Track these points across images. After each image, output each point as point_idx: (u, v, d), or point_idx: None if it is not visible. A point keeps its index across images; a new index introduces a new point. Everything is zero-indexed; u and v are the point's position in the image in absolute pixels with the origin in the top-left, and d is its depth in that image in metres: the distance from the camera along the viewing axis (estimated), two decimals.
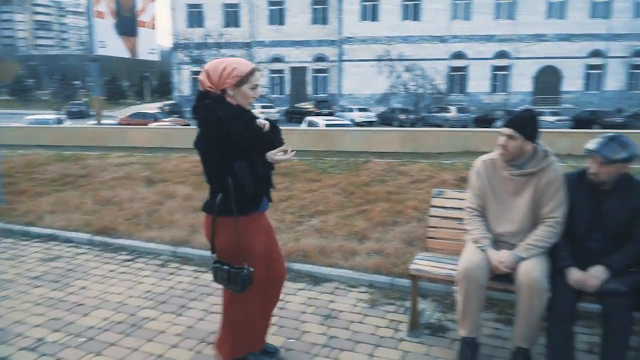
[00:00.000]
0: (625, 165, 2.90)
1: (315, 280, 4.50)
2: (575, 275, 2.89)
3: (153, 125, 26.49)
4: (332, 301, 4.10)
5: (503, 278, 3.08)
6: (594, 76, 43.20)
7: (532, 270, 2.92)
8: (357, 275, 4.47)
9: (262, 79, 2.75)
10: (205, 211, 2.78)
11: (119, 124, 31.28)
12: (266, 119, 2.79)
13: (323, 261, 4.73)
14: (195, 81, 42.25)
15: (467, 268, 3.00)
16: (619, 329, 2.73)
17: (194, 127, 2.76)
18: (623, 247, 2.93)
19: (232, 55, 23.95)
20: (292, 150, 2.70)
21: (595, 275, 2.84)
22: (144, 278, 4.59)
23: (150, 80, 65.55)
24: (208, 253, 4.75)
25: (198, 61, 25.58)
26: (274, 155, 2.65)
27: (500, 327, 3.63)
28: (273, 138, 2.70)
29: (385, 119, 34.77)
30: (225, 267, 2.69)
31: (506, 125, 3.05)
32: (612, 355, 2.74)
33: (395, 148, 15.58)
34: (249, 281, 2.67)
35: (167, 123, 28.22)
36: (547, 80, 43.01)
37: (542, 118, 28.88)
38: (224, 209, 2.64)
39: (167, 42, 46.92)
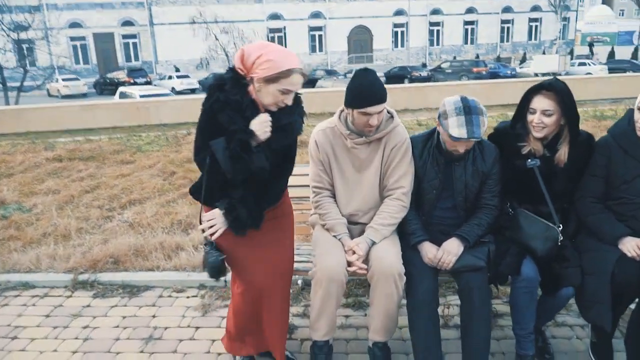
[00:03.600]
0: None
1: (132, 290, 3.65)
2: (429, 252, 2.55)
3: None
4: (154, 316, 3.32)
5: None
6: (400, 34, 46.51)
7: (385, 255, 2.51)
8: (183, 277, 3.73)
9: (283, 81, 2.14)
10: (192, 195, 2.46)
11: None
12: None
13: (140, 265, 3.89)
14: None
15: (328, 267, 2.48)
16: (480, 305, 2.45)
17: None
18: (475, 216, 2.65)
19: (22, 25, 20.44)
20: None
21: (450, 251, 2.52)
22: None
23: None
24: None
25: None
26: (258, 125, 2.16)
27: (351, 314, 3.24)
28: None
29: (208, 85, 33.32)
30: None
31: (377, 102, 2.47)
32: (476, 331, 2.46)
33: None
34: (213, 268, 2.29)
35: None
36: (360, 39, 45.21)
37: None
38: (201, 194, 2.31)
39: None
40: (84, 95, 31.39)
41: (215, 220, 2.24)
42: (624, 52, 42.30)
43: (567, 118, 2.46)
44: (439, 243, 2.60)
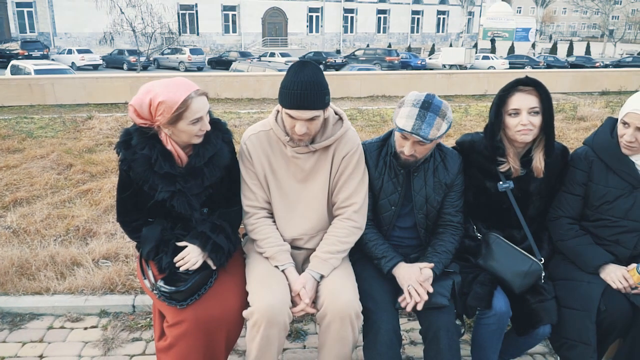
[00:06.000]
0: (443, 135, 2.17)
1: (14, 321, 2.95)
2: (409, 275, 2.14)
3: None
4: (41, 357, 2.66)
5: None
6: (315, 19, 46.16)
7: (340, 292, 2.07)
8: (80, 302, 3.07)
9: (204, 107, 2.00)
10: None
11: None
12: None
13: (25, 287, 3.15)
14: None
15: (268, 307, 1.97)
16: (448, 349, 2.06)
17: None
18: (439, 239, 2.28)
19: None
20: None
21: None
22: None
23: None
24: None
25: None
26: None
27: (288, 346, 2.77)
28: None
29: (112, 62, 31.19)
30: None
31: (305, 107, 1.98)
32: None
33: (127, 98, 13.48)
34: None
35: None
36: (275, 22, 44.32)
37: (273, 59, 29.49)
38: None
39: None
40: None
41: (190, 255, 2.06)
42: (521, 48, 44.68)
43: (545, 122, 2.13)
44: None
